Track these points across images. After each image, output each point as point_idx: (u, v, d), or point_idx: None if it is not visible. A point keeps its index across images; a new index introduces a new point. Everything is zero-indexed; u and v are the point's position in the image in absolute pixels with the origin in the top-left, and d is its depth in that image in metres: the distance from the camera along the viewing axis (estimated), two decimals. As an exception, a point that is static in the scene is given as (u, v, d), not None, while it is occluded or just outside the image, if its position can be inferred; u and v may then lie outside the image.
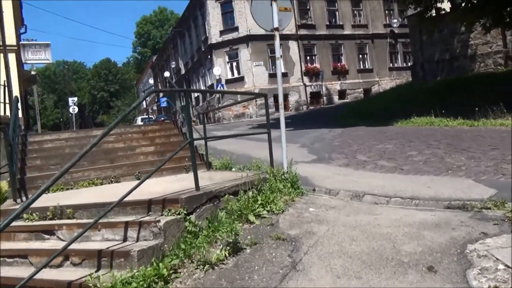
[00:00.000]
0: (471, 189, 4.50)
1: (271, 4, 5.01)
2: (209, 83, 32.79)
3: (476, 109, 10.94)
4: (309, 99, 31.64)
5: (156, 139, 8.03)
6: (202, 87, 34.76)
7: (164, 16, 72.22)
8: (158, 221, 3.53)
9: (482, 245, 3.06)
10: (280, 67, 5.30)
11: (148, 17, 72.45)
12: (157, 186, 4.97)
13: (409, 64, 34.97)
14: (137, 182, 4.05)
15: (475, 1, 12.24)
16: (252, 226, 4.00)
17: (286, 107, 31.14)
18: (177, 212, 3.70)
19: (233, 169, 6.80)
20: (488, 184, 4.58)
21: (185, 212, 3.72)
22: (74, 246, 3.33)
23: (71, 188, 5.97)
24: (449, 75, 17.83)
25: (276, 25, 5.04)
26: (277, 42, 5.12)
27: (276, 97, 30.88)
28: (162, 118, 38.24)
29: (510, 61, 16.26)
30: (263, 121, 21.47)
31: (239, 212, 4.12)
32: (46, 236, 4.05)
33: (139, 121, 46.76)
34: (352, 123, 13.96)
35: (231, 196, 4.35)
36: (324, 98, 32.03)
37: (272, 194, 4.66)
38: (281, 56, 5.40)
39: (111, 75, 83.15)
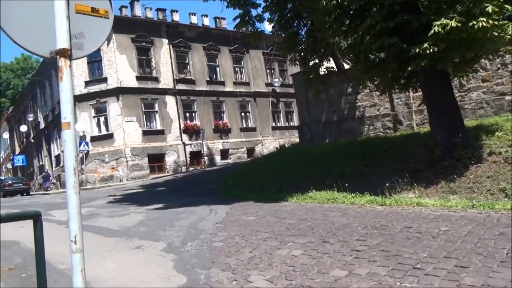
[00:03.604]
0: None
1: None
2: (72, 141, 28.09)
3: (387, 184, 9.13)
4: (189, 159, 28.79)
5: None
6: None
7: (29, 65, 65.05)
8: None
9: None
10: (74, 130, 2.34)
11: (8, 64, 64.68)
12: None
13: (291, 124, 34.54)
14: None
15: (371, 59, 10.86)
16: None
17: (163, 169, 27.80)
18: None
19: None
20: None
21: None
22: None
23: None
24: (337, 138, 16.55)
25: (63, 44, 2.15)
26: (66, 78, 2.19)
27: (150, 157, 27.47)
28: (10, 182, 31.78)
29: (399, 124, 15.46)
30: (134, 188, 17.88)
31: None
32: None
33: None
34: (238, 196, 11.39)
35: None
36: (206, 158, 29.47)
37: None
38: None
39: (-40, 127, 72.23)
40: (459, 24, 8.68)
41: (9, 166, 48.61)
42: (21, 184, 31.27)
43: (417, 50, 9.22)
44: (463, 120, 11.52)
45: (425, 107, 14.47)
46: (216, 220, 7.95)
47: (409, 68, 9.71)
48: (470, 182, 9.69)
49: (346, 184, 9.68)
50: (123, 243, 6.51)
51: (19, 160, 40.47)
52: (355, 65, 11.23)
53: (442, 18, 8.82)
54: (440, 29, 8.76)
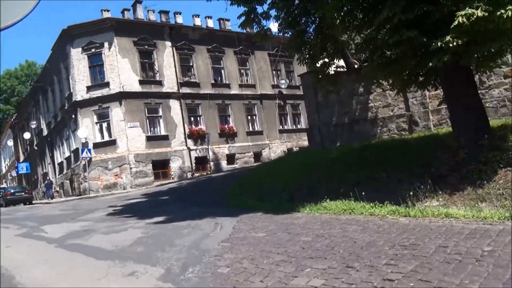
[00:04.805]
0: None
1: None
2: (74, 147, 27.48)
3: (411, 193, 8.27)
4: (194, 165, 28.03)
5: None
6: (67, 152, 29.22)
7: (33, 71, 64.75)
8: None
9: None
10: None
11: (12, 71, 64.45)
12: None
13: (299, 127, 33.68)
14: None
15: (387, 55, 10.02)
16: None
17: (167, 175, 27.05)
18: None
19: None
20: None
21: None
22: None
23: None
24: (349, 140, 15.69)
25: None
26: None
27: (154, 164, 26.71)
28: (12, 191, 31.15)
29: (414, 125, 14.57)
30: (136, 197, 17.10)
31: None
32: None
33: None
34: (246, 206, 10.58)
35: None
36: (211, 163, 28.68)
37: None
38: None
39: (-36, 135, 72.21)
40: (486, 14, 7.85)
41: (14, 174, 48.21)
42: (23, 193, 30.65)
43: (438, 44, 8.38)
44: (488, 119, 10.64)
45: (442, 107, 13.62)
46: (222, 237, 7.12)
47: (430, 64, 8.87)
48: (500, 187, 8.79)
49: (363, 193, 8.81)
50: (116, 269, 5.70)
51: (23, 168, 39.97)
52: (370, 62, 10.37)
53: (467, 8, 7.98)
54: (464, 20, 7.92)
